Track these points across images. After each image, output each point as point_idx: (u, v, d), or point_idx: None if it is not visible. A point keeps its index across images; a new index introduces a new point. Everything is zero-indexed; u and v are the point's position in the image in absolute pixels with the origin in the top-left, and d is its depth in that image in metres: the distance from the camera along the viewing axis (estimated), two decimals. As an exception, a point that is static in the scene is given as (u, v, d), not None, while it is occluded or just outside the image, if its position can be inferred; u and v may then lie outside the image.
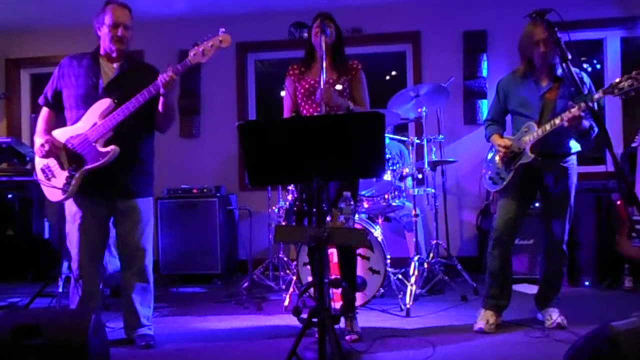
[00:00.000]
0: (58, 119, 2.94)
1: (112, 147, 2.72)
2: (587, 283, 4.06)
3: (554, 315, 2.99)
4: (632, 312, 2.55)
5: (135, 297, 2.90)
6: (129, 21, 2.84)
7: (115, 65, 2.87)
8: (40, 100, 2.96)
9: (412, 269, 3.75)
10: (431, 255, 4.12)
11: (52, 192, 2.81)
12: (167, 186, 4.76)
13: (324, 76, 2.75)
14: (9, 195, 4.59)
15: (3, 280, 4.60)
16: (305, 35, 4.98)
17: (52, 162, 2.81)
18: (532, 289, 3.49)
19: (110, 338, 2.53)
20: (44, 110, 2.94)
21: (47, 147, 2.76)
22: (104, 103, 2.74)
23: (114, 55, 2.85)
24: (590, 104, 2.48)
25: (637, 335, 1.61)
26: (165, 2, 4.87)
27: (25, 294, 4.02)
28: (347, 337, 2.84)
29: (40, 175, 2.84)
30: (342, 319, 2.86)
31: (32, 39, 5.41)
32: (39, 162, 2.85)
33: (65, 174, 2.76)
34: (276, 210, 4.17)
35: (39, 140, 2.83)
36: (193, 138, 5.32)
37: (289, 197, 3.94)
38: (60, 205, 2.95)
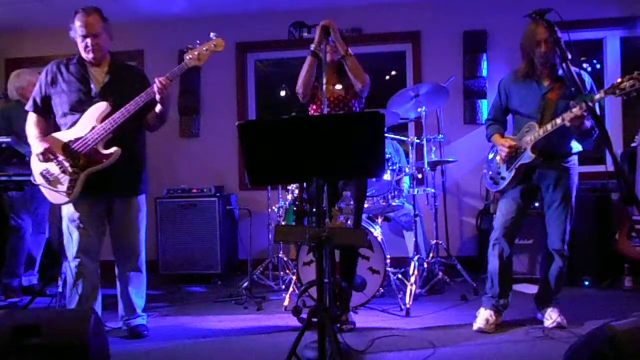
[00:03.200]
0: (48, 124, 2.95)
1: (114, 148, 2.78)
2: (587, 283, 4.05)
3: (554, 315, 2.99)
4: (632, 312, 2.56)
5: (132, 289, 3.06)
6: (99, 28, 2.82)
7: (102, 68, 2.90)
8: (29, 106, 2.96)
9: (412, 269, 3.76)
10: (431, 255, 4.12)
11: (55, 196, 2.82)
12: (167, 186, 4.74)
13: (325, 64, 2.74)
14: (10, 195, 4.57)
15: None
16: (305, 35, 4.98)
17: (52, 167, 2.81)
18: (532, 289, 3.49)
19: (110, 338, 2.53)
20: (33, 116, 2.94)
21: (47, 154, 2.75)
22: (101, 107, 2.80)
23: (94, 62, 2.88)
24: (591, 105, 2.48)
25: (637, 335, 1.61)
26: (165, 2, 4.87)
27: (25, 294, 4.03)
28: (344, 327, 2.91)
29: (40, 180, 2.84)
30: None
31: (32, 39, 5.41)
32: (38, 167, 2.84)
33: (68, 177, 2.79)
34: (276, 210, 4.17)
35: (38, 144, 2.81)
36: (193, 138, 5.32)
37: (289, 197, 3.94)
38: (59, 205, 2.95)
